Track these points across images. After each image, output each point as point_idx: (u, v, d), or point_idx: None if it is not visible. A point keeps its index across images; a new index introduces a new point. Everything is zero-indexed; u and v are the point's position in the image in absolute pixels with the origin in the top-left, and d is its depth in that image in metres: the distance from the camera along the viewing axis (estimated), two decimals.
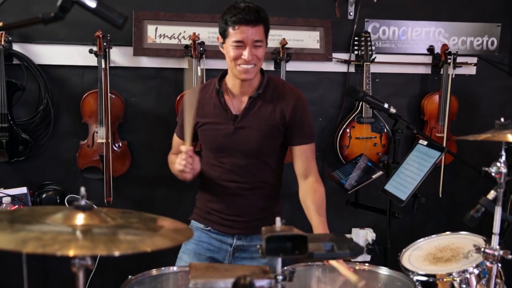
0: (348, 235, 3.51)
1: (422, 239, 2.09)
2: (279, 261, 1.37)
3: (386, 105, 2.26)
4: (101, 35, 2.78)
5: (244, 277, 1.13)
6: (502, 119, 1.61)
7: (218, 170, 2.15)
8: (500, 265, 1.74)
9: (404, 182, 2.20)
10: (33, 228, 1.12)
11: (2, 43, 2.67)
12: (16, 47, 2.82)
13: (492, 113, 3.64)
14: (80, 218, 1.18)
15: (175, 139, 2.29)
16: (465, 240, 1.99)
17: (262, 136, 2.09)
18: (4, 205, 2.42)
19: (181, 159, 1.96)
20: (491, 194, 1.75)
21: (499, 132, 1.59)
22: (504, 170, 1.61)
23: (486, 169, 1.64)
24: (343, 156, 3.27)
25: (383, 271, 1.88)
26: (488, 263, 1.68)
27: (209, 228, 2.21)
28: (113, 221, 1.23)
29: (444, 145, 3.37)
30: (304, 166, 2.15)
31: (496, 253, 1.65)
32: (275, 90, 2.11)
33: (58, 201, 2.69)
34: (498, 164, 1.62)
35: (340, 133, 3.25)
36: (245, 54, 1.97)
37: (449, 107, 3.33)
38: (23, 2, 2.81)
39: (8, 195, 2.51)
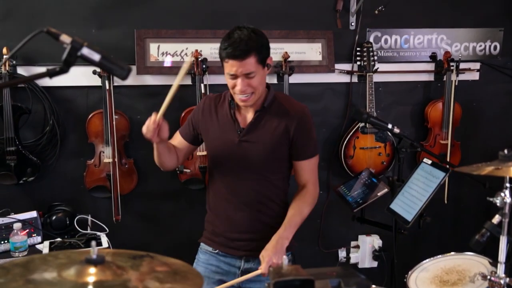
0: (354, 242, 3.57)
1: (428, 260, 2.11)
2: None
3: (389, 126, 2.28)
4: None
5: None
6: (506, 151, 1.62)
7: (221, 185, 2.19)
8: None
9: (409, 202, 2.22)
10: None
11: (7, 68, 2.69)
12: (20, 70, 2.84)
13: (496, 118, 3.65)
14: (92, 274, 1.20)
15: (176, 134, 2.34)
16: (471, 262, 2.01)
17: (266, 152, 2.12)
18: (15, 230, 2.45)
19: (147, 124, 2.05)
20: (496, 219, 1.76)
21: (503, 164, 1.60)
22: (508, 200, 1.63)
23: (491, 199, 1.66)
24: (348, 166, 3.29)
25: None
26: None
27: (217, 251, 2.24)
28: (125, 273, 1.25)
29: (448, 151, 3.39)
30: (305, 179, 2.21)
31: (502, 282, 1.68)
32: (280, 106, 2.15)
33: (68, 222, 2.72)
34: (503, 194, 1.64)
35: (344, 143, 3.26)
36: (238, 85, 2.01)
37: (452, 114, 3.33)
38: (25, 21, 2.82)
39: (19, 220, 2.54)
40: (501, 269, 1.68)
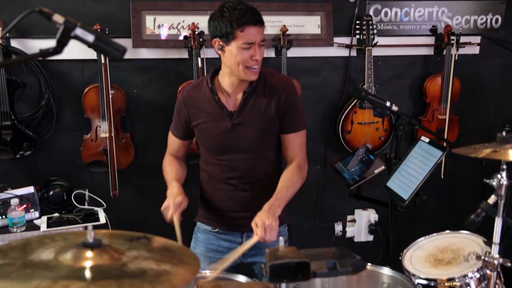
0: (350, 216, 3.59)
1: (423, 238, 2.13)
2: (283, 286, 1.41)
3: (388, 103, 2.25)
4: (99, 30, 2.74)
5: None
6: (504, 133, 1.61)
7: (218, 168, 2.17)
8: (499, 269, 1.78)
9: (406, 180, 2.22)
10: (44, 274, 1.15)
11: (0, 41, 2.64)
12: (14, 43, 2.79)
13: (496, 92, 3.63)
14: (89, 258, 1.20)
15: (171, 137, 2.28)
16: (466, 241, 2.02)
17: (260, 130, 2.09)
18: (13, 206, 2.46)
19: (170, 210, 1.99)
20: (492, 199, 1.77)
21: (500, 147, 1.59)
22: (505, 182, 1.63)
23: (488, 181, 1.66)
24: (345, 141, 3.28)
25: (386, 271, 1.93)
26: (488, 271, 1.72)
27: (217, 229, 2.24)
28: (123, 256, 1.25)
29: (446, 126, 3.38)
30: (294, 153, 2.15)
31: (496, 262, 1.70)
32: (266, 82, 2.10)
33: (65, 197, 2.73)
34: (499, 176, 1.64)
35: (342, 118, 3.25)
36: (257, 54, 1.96)
37: (451, 90, 3.31)
38: None
39: (16, 196, 2.54)
40: (495, 250, 1.69)
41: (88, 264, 1.19)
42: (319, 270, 1.54)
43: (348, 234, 3.59)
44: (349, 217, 3.61)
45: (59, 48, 1.33)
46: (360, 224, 3.58)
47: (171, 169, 2.22)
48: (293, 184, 2.09)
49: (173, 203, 2.00)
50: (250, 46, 1.94)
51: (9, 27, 1.37)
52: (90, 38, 1.31)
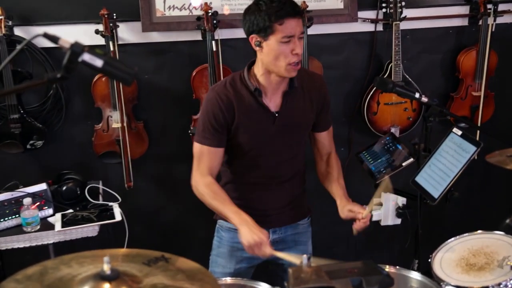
0: (376, 199, 3.44)
1: (454, 238, 1.97)
2: None
3: (417, 95, 2.05)
4: (106, 15, 2.58)
5: None
6: None
7: (254, 170, 2.08)
8: None
9: (436, 177, 2.05)
10: None
11: (3, 31, 2.51)
12: (17, 31, 2.65)
13: None
14: None
15: (204, 151, 2.00)
16: (500, 243, 1.85)
17: (302, 129, 2.10)
18: (25, 205, 2.37)
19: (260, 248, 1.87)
20: None
21: None
22: None
23: None
24: (371, 123, 3.09)
25: (414, 275, 1.84)
26: None
27: None
28: (141, 286, 1.17)
29: (481, 104, 3.14)
30: (327, 148, 2.22)
31: None
32: (303, 81, 2.04)
33: (79, 192, 2.64)
34: None
35: (367, 98, 3.04)
36: (297, 48, 1.84)
37: (487, 64, 3.05)
38: None
39: (28, 194, 2.45)
40: None
41: None
42: None
43: (375, 218, 3.41)
44: (375, 201, 3.45)
45: (66, 74, 1.23)
46: (388, 208, 3.37)
47: (221, 194, 2.00)
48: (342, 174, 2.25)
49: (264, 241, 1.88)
50: (289, 40, 1.82)
51: (8, 58, 1.27)
52: (99, 63, 1.21)
